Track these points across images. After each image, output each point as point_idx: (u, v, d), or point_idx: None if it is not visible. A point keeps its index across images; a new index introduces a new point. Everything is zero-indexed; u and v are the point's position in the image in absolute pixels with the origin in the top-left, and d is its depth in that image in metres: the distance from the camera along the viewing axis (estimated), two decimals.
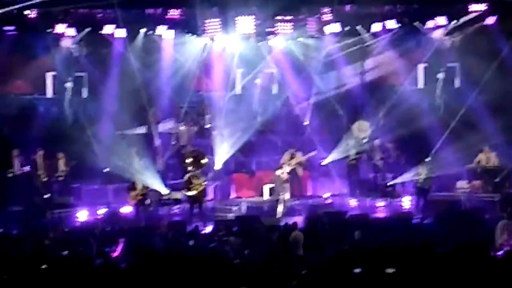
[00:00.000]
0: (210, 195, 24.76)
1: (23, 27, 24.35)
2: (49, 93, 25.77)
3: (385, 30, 25.62)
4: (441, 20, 25.19)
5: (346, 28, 25.71)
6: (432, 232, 19.54)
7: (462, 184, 24.80)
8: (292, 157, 24.98)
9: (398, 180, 24.84)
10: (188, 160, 23.84)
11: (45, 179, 23.92)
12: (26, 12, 23.84)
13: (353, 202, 24.89)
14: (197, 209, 23.38)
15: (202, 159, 23.94)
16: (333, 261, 15.64)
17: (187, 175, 23.49)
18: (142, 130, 26.21)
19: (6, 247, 17.57)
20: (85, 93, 25.95)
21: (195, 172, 23.46)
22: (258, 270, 14.91)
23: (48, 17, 24.39)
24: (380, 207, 24.40)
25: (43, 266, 15.34)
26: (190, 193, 23.29)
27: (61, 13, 24.45)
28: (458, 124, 24.19)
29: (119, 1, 23.32)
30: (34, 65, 25.08)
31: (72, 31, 24.86)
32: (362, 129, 25.89)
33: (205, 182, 23.50)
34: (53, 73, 25.59)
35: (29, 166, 23.68)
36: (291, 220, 20.78)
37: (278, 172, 24.22)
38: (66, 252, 17.37)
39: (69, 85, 25.58)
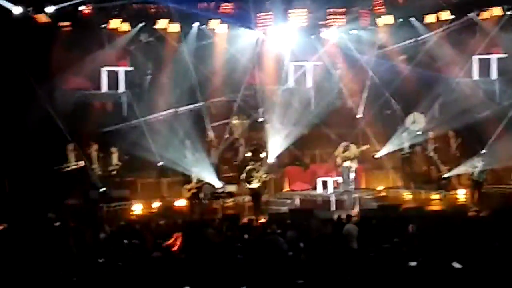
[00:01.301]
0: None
1: (78, 23, 24.57)
2: (104, 88, 26.01)
3: (439, 21, 25.37)
4: (497, 10, 24.86)
5: (400, 20, 25.54)
6: (487, 225, 19.30)
7: None
8: (345, 150, 24.90)
9: (453, 172, 24.60)
10: (248, 154, 23.90)
11: (100, 173, 24.18)
12: (81, 8, 24.05)
13: (407, 195, 24.73)
14: (256, 202, 23.38)
15: (261, 152, 23.98)
16: (388, 254, 15.62)
17: (247, 168, 23.48)
18: (195, 123, 26.27)
19: (64, 240, 17.81)
20: (139, 87, 26.16)
21: (255, 165, 23.48)
22: (312, 263, 14.96)
23: (102, 12, 24.58)
24: (435, 200, 24.19)
25: (100, 260, 15.61)
26: (251, 186, 23.30)
27: (115, 8, 24.63)
28: None
29: None
30: (89, 61, 25.31)
31: (126, 26, 25.07)
32: (417, 121, 25.71)
33: (265, 175, 23.50)
34: (108, 68, 25.81)
35: (83, 160, 23.94)
36: (345, 213, 20.75)
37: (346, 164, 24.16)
38: (124, 243, 17.61)
39: (123, 79, 25.85)
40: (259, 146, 24.39)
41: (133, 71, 26.14)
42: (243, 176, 23.52)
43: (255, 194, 23.51)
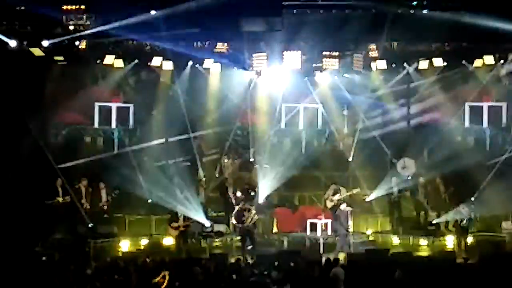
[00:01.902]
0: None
1: (73, 58, 24.70)
2: (96, 123, 26.07)
3: (432, 68, 25.57)
4: (489, 59, 25.09)
5: (393, 65, 25.73)
6: (475, 272, 19.25)
7: (508, 225, 24.51)
8: (335, 193, 24.88)
9: (442, 218, 24.60)
10: (239, 193, 23.85)
11: (88, 208, 24.11)
12: (76, 43, 24.19)
13: (395, 240, 24.70)
14: (248, 242, 23.26)
15: (253, 193, 23.93)
16: None
17: (238, 207, 23.40)
18: (186, 161, 26.29)
19: (49, 274, 17.71)
20: (131, 123, 26.22)
21: (246, 205, 23.40)
22: None
23: (97, 48, 24.74)
24: (423, 246, 24.16)
25: None
26: (241, 226, 23.18)
27: (110, 44, 24.76)
28: (504, 164, 23.97)
29: (167, 34, 23.60)
30: (82, 95, 25.40)
31: (120, 63, 25.18)
32: (407, 166, 25.76)
33: (256, 215, 23.40)
34: (101, 103, 25.90)
35: (71, 196, 23.87)
36: (332, 256, 20.68)
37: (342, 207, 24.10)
38: (108, 280, 17.50)
39: (115, 115, 25.94)
40: (251, 186, 24.34)
41: (125, 107, 26.20)
42: (234, 215, 23.44)
43: (246, 233, 23.38)
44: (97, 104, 26.01)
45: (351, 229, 24.00)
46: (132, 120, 26.37)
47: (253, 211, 23.20)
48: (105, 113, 26.11)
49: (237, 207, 23.32)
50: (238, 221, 23.14)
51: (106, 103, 26.20)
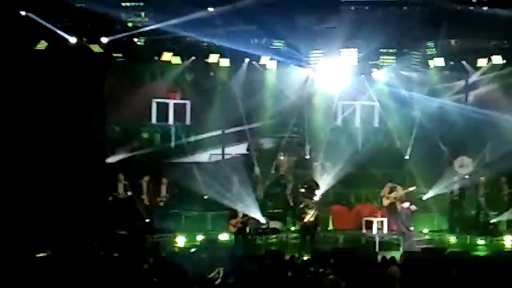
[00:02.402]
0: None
1: (131, 54, 24.94)
2: (153, 119, 26.30)
3: (490, 65, 25.27)
4: None
5: (451, 63, 25.47)
6: None
7: None
8: (391, 191, 24.75)
9: (502, 218, 24.31)
10: (302, 190, 23.84)
11: (148, 204, 24.37)
12: (135, 39, 24.42)
13: (452, 239, 24.47)
14: (308, 239, 23.27)
15: (315, 190, 23.89)
16: None
17: (301, 205, 23.42)
18: (242, 158, 26.41)
19: (107, 269, 17.94)
20: (187, 119, 26.38)
21: (309, 202, 23.40)
22: None
23: (155, 45, 24.91)
24: (481, 246, 23.89)
25: None
26: (303, 222, 23.21)
27: (168, 41, 24.93)
28: None
29: (223, 31, 23.72)
30: (140, 92, 25.66)
31: (177, 59, 25.35)
32: (464, 164, 25.47)
33: (318, 213, 23.38)
34: (158, 100, 26.12)
35: (132, 191, 24.16)
36: (388, 255, 20.57)
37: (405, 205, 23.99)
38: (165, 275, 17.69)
39: (172, 111, 26.14)
40: (312, 183, 24.27)
41: (182, 103, 26.38)
42: (296, 212, 23.44)
43: (306, 231, 23.37)
44: (154, 101, 26.19)
45: (412, 228, 23.80)
46: (189, 116, 26.48)
47: (314, 208, 23.20)
48: (163, 110, 26.29)
49: (301, 204, 23.32)
50: (298, 218, 23.16)
51: (163, 99, 26.35)
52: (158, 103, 26.37)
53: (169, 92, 26.64)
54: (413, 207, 23.86)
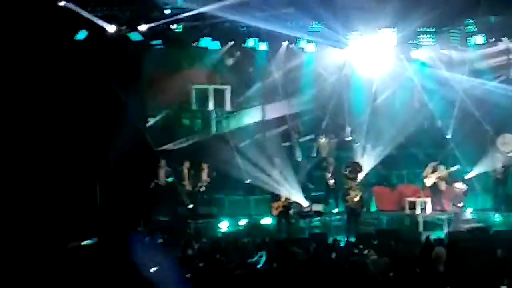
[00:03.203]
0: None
1: (169, 41, 24.99)
2: (194, 105, 26.38)
3: None
4: None
5: (491, 40, 25.17)
6: None
7: None
8: (434, 171, 24.65)
9: None
10: (345, 172, 23.82)
11: (189, 189, 24.52)
12: (172, 26, 24.45)
13: (497, 218, 24.28)
14: (353, 220, 23.26)
15: (358, 171, 23.86)
16: (477, 278, 15.38)
17: (345, 187, 23.42)
18: (283, 142, 26.42)
19: (152, 255, 18.09)
20: (228, 105, 26.43)
21: (352, 184, 23.40)
22: (399, 285, 14.84)
23: (193, 31, 24.91)
24: None
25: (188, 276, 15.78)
26: (347, 204, 23.22)
27: (206, 27, 24.93)
28: None
29: (261, 14, 23.65)
30: (180, 78, 25.73)
31: (216, 45, 25.36)
32: (507, 142, 25.26)
33: (361, 194, 23.36)
34: (197, 85, 26.18)
35: (173, 176, 24.32)
36: (432, 235, 20.50)
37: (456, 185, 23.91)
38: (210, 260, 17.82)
39: (212, 97, 26.19)
40: (356, 165, 24.23)
41: (222, 89, 26.41)
42: (340, 194, 23.44)
43: (351, 212, 23.37)
44: (193, 87, 26.25)
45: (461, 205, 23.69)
46: (229, 102, 26.52)
47: (358, 190, 23.20)
48: (202, 95, 26.34)
49: (345, 186, 23.31)
50: (343, 200, 23.17)
51: (202, 85, 26.40)
52: (197, 89, 26.38)
53: (208, 77, 26.65)
54: (464, 187, 23.72)
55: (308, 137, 26.86)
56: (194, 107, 26.52)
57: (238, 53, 26.26)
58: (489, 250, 18.33)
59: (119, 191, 23.22)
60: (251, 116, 26.52)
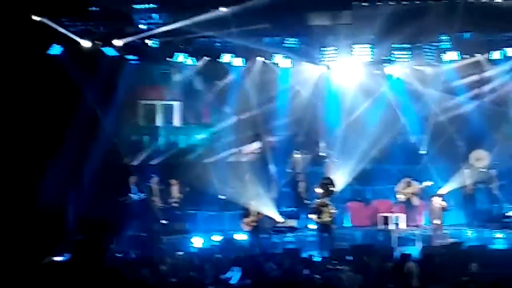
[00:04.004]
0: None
1: (145, 56, 24.98)
2: (159, 121, 26.45)
3: (505, 58, 25.13)
4: None
5: (465, 56, 25.36)
6: None
7: None
8: (408, 186, 24.75)
9: None
10: (318, 188, 23.83)
11: (161, 205, 24.45)
12: (148, 41, 24.44)
13: (470, 233, 24.39)
14: (326, 237, 23.25)
15: (331, 187, 23.88)
16: None
17: (318, 202, 23.42)
18: (257, 157, 26.43)
19: (124, 272, 17.97)
20: (200, 120, 26.43)
21: (324, 200, 23.41)
22: None
23: (169, 46, 24.91)
24: (499, 239, 23.79)
25: None
26: (319, 220, 23.19)
27: (181, 42, 24.95)
28: None
29: (236, 30, 23.69)
30: (155, 94, 25.72)
31: (191, 60, 25.37)
32: (480, 158, 25.42)
33: (334, 210, 23.39)
34: (164, 102, 26.23)
35: (146, 192, 24.26)
36: (406, 250, 20.56)
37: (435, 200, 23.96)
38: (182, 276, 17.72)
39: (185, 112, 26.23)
40: (328, 181, 24.27)
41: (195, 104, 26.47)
42: (312, 210, 23.43)
43: (324, 228, 23.37)
44: (160, 103, 26.33)
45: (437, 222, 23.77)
46: (202, 116, 26.52)
47: (331, 206, 23.21)
48: (169, 111, 26.40)
49: (318, 202, 23.31)
50: (315, 216, 23.15)
51: (169, 101, 26.43)
52: (164, 105, 26.41)
53: (180, 93, 26.65)
54: (444, 203, 23.81)
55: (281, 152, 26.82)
56: (161, 123, 26.59)
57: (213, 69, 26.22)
58: (462, 265, 18.42)
59: (92, 207, 23.08)
60: (226, 131, 26.48)
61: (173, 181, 24.62)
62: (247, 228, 23.53)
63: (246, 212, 23.60)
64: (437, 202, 23.93)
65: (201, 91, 26.49)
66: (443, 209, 23.89)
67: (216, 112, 26.58)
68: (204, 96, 26.50)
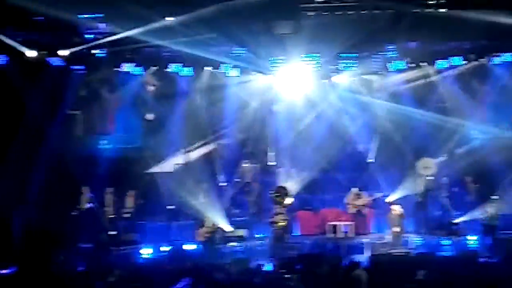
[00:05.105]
0: None
1: (92, 66, 24.80)
2: (114, 131, 26.25)
3: (450, 67, 25.44)
4: (509, 56, 24.93)
5: (411, 65, 25.62)
6: (499, 271, 19.12)
7: None
8: (357, 197, 24.86)
9: (465, 218, 24.50)
10: (272, 197, 23.81)
11: (112, 216, 24.26)
12: (94, 51, 24.27)
13: (418, 240, 24.58)
14: (277, 246, 23.23)
15: (284, 196, 23.87)
16: None
17: (272, 211, 23.38)
18: (206, 167, 26.36)
19: (73, 284, 17.81)
20: (150, 130, 26.32)
21: (279, 209, 23.39)
22: None
23: (116, 56, 24.76)
24: (446, 246, 24.02)
25: None
26: (273, 228, 23.15)
27: (128, 52, 24.82)
28: None
29: (184, 39, 23.66)
30: (101, 104, 25.54)
31: (139, 70, 25.26)
32: (427, 166, 25.64)
33: (287, 219, 23.37)
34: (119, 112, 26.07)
35: (96, 203, 24.05)
36: (355, 258, 20.63)
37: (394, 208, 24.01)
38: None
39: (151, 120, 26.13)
40: (282, 190, 24.28)
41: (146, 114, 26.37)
42: (265, 219, 23.42)
43: (276, 236, 23.36)
44: (115, 113, 26.15)
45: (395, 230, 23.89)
46: (151, 126, 26.42)
47: (284, 215, 23.21)
48: (123, 121, 26.24)
49: (271, 211, 23.29)
50: (269, 225, 23.14)
51: (124, 111, 26.28)
52: (118, 115, 26.23)
53: (130, 103, 26.52)
54: (401, 210, 23.90)
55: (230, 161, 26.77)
56: (113, 132, 26.52)
57: (161, 78, 26.11)
58: (410, 273, 18.52)
59: (40, 219, 22.83)
60: (174, 141, 26.39)
61: (130, 192, 24.47)
62: (201, 238, 23.45)
63: (200, 223, 23.53)
64: (396, 210, 23.98)
65: (150, 102, 26.37)
66: (401, 216, 23.95)
67: (165, 121, 26.40)
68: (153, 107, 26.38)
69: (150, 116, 26.59)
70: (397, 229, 23.70)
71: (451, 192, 25.34)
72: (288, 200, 23.83)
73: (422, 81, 26.03)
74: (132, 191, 24.55)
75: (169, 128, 26.22)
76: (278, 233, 23.21)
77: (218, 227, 23.84)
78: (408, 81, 26.05)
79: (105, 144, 26.44)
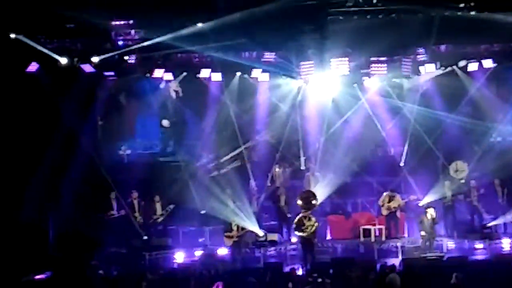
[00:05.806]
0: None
1: (123, 72, 24.96)
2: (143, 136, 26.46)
3: (481, 69, 25.31)
4: None
5: (442, 68, 25.51)
6: None
7: None
8: (390, 200, 24.77)
9: (498, 221, 24.35)
10: (299, 201, 23.79)
11: (142, 221, 24.38)
12: (126, 57, 24.43)
13: (450, 244, 24.45)
14: (308, 250, 23.20)
15: (313, 200, 23.85)
16: None
17: (299, 216, 23.36)
18: (237, 171, 26.40)
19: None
20: (182, 136, 26.43)
21: (307, 213, 23.36)
22: None
23: (147, 62, 24.90)
24: (479, 249, 23.87)
25: None
26: (302, 234, 23.12)
27: (159, 58, 24.95)
28: None
29: (215, 45, 23.76)
30: (132, 110, 25.70)
31: (169, 76, 25.38)
32: (459, 169, 25.51)
33: (316, 223, 23.34)
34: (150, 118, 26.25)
35: (127, 208, 24.20)
36: (388, 262, 20.59)
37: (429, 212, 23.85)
38: None
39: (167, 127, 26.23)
40: (310, 194, 24.24)
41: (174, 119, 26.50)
42: (295, 224, 23.38)
43: (305, 241, 23.31)
44: (144, 119, 26.35)
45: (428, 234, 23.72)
46: (182, 132, 26.54)
47: (313, 220, 23.18)
48: (153, 127, 26.43)
49: (300, 216, 23.26)
50: (297, 230, 23.10)
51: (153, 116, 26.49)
52: (147, 120, 26.43)
53: (162, 109, 26.68)
54: (434, 214, 23.71)
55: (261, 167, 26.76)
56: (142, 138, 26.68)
57: (191, 84, 26.21)
58: (443, 276, 18.47)
59: (72, 223, 23.02)
60: (206, 146, 26.49)
61: (156, 198, 24.58)
62: (229, 243, 23.51)
63: (228, 227, 23.60)
64: (431, 213, 23.77)
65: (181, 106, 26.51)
66: (434, 220, 23.79)
67: (196, 127, 26.49)
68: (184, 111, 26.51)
69: (166, 123, 26.70)
70: (430, 233, 23.55)
71: (480, 195, 25.12)
72: (315, 204, 23.82)
73: (452, 84, 25.85)
74: (159, 197, 24.61)
75: (200, 133, 26.31)
76: (307, 238, 23.15)
77: (247, 231, 23.87)
78: (439, 84, 25.88)
79: (133, 150, 26.64)
